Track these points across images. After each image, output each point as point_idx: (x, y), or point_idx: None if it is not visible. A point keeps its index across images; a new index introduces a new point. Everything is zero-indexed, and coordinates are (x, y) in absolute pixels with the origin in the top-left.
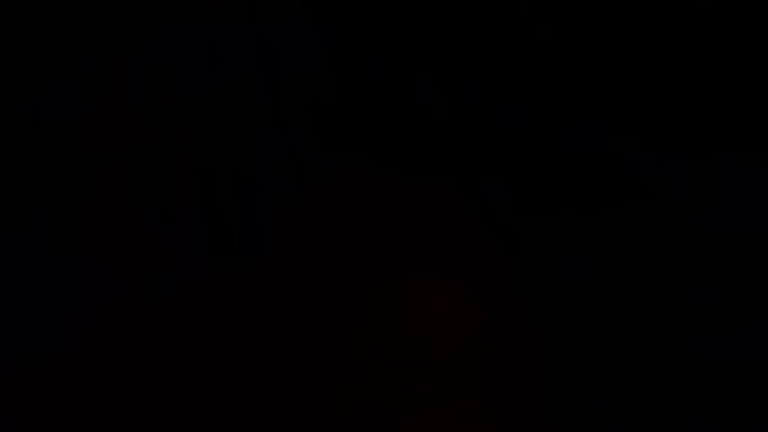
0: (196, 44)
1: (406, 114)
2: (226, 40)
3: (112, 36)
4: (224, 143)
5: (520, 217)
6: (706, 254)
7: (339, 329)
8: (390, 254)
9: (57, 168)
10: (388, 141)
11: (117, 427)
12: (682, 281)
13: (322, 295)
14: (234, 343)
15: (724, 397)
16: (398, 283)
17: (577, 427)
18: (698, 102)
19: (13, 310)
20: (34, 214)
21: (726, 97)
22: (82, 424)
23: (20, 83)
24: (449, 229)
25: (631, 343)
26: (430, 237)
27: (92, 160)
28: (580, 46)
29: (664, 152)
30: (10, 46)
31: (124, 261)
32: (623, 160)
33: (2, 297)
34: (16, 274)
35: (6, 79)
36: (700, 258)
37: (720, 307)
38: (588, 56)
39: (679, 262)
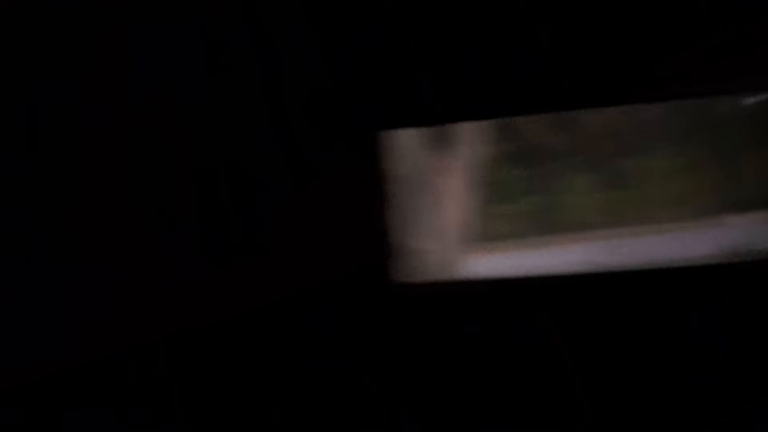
0: (196, 44)
1: (406, 111)
2: (226, 40)
3: (112, 36)
4: (224, 143)
5: None
6: None
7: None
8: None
9: (57, 168)
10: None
11: (117, 428)
12: None
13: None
14: (233, 343)
15: None
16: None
17: None
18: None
19: (12, 310)
20: (33, 214)
21: None
22: (82, 425)
23: (20, 83)
24: None
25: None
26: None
27: (92, 161)
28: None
29: None
30: (9, 46)
31: (123, 261)
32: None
33: (1, 297)
34: (15, 274)
35: (6, 79)
36: None
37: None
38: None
39: None
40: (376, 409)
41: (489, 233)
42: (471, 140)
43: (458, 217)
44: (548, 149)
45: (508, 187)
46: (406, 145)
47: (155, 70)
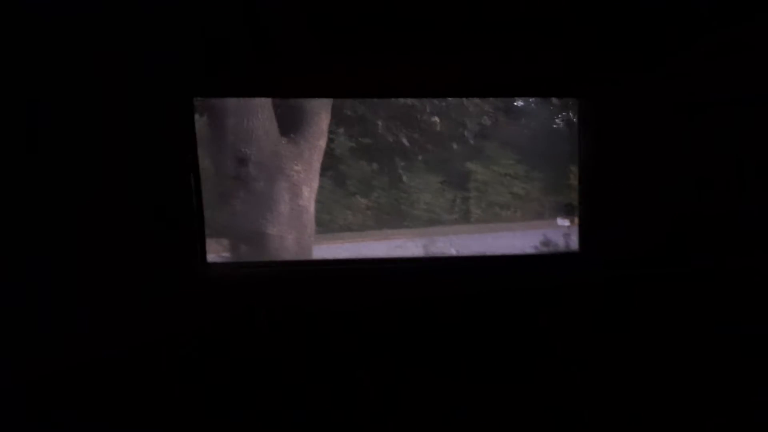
0: (195, 44)
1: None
2: (226, 40)
3: (112, 36)
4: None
5: None
6: None
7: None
8: None
9: (57, 168)
10: None
11: (117, 427)
12: None
13: None
14: (233, 342)
15: None
16: None
17: None
18: None
19: (12, 311)
20: (33, 214)
21: None
22: (82, 425)
23: (20, 84)
24: None
25: None
26: None
27: (92, 160)
28: None
29: None
30: (10, 46)
31: (123, 261)
32: None
33: (1, 298)
34: (14, 275)
35: (6, 79)
36: None
37: None
38: None
39: None
40: (378, 409)
41: (342, 222)
42: (326, 131)
43: (312, 205)
44: (399, 147)
45: (360, 180)
46: (263, 131)
47: (155, 70)
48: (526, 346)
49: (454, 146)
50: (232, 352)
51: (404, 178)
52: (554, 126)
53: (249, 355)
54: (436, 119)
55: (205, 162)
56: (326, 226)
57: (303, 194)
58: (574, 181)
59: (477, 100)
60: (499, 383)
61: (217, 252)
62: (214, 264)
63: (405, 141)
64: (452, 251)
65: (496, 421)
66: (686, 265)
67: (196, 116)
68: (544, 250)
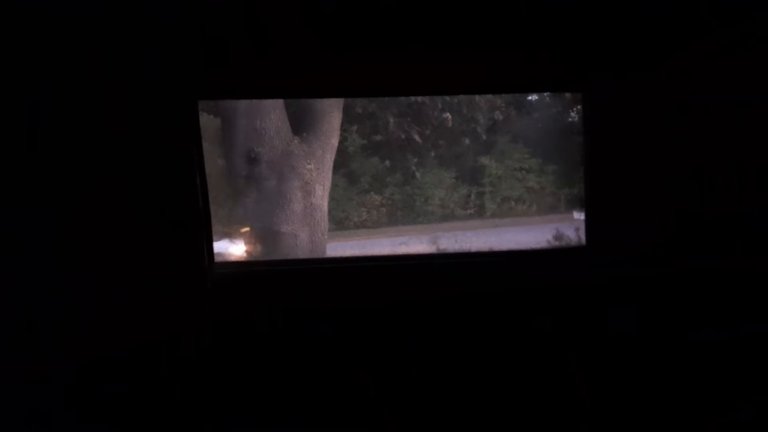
0: (194, 44)
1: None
2: (225, 39)
3: (112, 36)
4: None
5: None
6: None
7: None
8: None
9: (57, 168)
10: None
11: (117, 426)
12: None
13: None
14: (234, 342)
15: None
16: None
17: None
18: None
19: (13, 310)
20: (33, 214)
21: None
22: (82, 424)
23: (20, 83)
24: None
25: None
26: None
27: (92, 160)
28: None
29: None
30: (10, 46)
31: (123, 261)
32: None
33: (1, 298)
34: (15, 275)
35: (6, 79)
36: None
37: None
38: None
39: None
40: (378, 409)
41: (356, 220)
42: (338, 130)
43: (326, 203)
44: (411, 143)
45: (374, 177)
46: (275, 130)
47: (154, 70)
48: (530, 342)
49: (467, 142)
50: (233, 352)
51: (417, 174)
52: (569, 119)
53: (249, 355)
54: (448, 115)
55: (219, 162)
56: (341, 223)
57: (316, 192)
58: None
59: (488, 96)
60: (500, 382)
61: None
62: (220, 263)
63: (417, 137)
64: (460, 247)
65: (499, 420)
66: (689, 264)
67: (211, 117)
68: (556, 244)
